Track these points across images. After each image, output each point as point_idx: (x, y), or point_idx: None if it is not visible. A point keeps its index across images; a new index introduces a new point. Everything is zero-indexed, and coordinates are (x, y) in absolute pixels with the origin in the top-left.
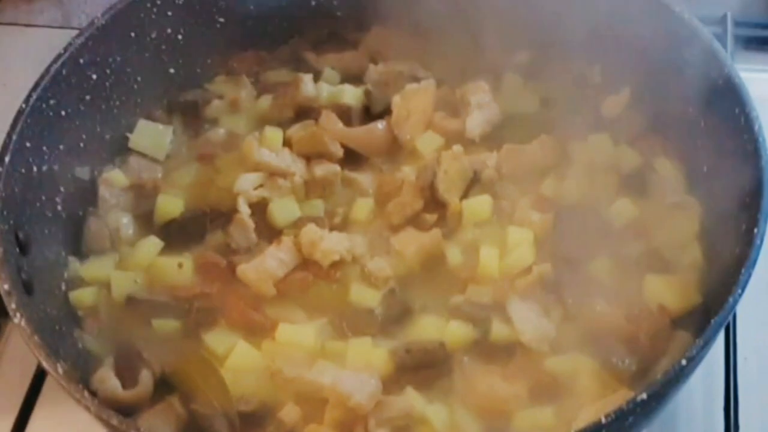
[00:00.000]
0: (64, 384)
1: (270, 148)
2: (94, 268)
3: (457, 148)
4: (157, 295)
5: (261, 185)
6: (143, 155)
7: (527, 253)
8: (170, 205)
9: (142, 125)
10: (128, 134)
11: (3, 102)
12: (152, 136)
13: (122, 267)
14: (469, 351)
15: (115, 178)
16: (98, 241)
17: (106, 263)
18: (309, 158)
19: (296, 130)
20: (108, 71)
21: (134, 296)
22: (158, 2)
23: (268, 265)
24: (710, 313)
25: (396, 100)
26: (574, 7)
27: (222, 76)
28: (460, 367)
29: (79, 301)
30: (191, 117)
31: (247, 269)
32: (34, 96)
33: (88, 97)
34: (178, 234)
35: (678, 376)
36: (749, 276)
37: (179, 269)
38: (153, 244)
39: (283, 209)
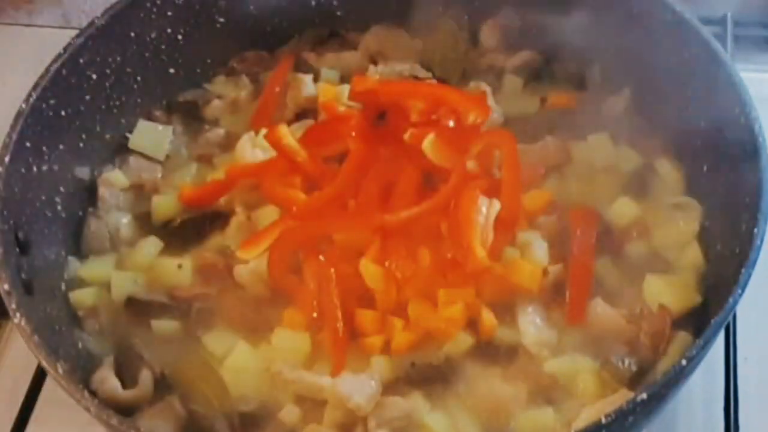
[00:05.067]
0: (64, 384)
1: (264, 149)
2: (94, 268)
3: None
4: (157, 295)
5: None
6: (143, 155)
7: (543, 255)
8: (166, 206)
9: (142, 125)
10: (128, 134)
11: (3, 102)
12: (152, 136)
13: (122, 267)
14: (471, 354)
15: (115, 178)
16: (98, 241)
17: (106, 263)
18: None
19: (296, 130)
20: (108, 71)
21: (134, 297)
22: (158, 2)
23: (264, 267)
24: (710, 313)
25: None
26: (573, 8)
27: (222, 76)
28: (461, 369)
29: (79, 301)
30: (191, 117)
31: (242, 270)
32: (34, 96)
33: (88, 97)
34: (178, 235)
35: (678, 376)
36: (749, 276)
37: (178, 270)
38: (153, 244)
39: (269, 216)
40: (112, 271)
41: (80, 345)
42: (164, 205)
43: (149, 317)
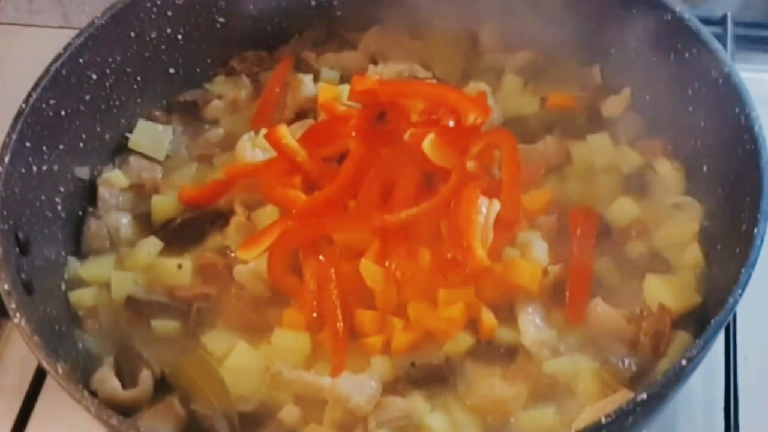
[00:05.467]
0: (64, 384)
1: (264, 149)
2: (94, 268)
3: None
4: (157, 295)
5: None
6: (143, 155)
7: (543, 255)
8: (166, 206)
9: (142, 125)
10: (128, 134)
11: (3, 102)
12: (152, 136)
13: (122, 267)
14: (471, 354)
15: (115, 178)
16: (98, 241)
17: (105, 263)
18: None
19: (296, 130)
20: (108, 71)
21: (134, 297)
22: (158, 2)
23: (264, 267)
24: (710, 313)
25: None
26: (573, 8)
27: (222, 76)
28: (461, 369)
29: (79, 301)
30: (191, 117)
31: (242, 270)
32: (34, 96)
33: (88, 97)
34: (178, 235)
35: (678, 376)
36: (749, 276)
37: (178, 270)
38: (152, 244)
39: (269, 216)
40: (112, 271)
41: (80, 345)
42: (164, 205)
43: (149, 317)
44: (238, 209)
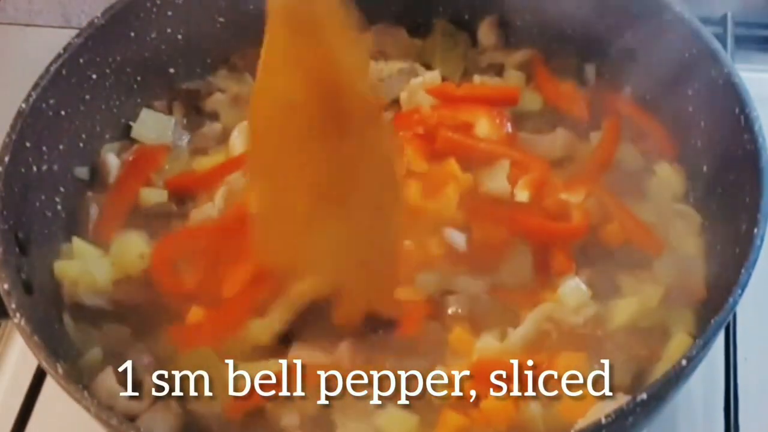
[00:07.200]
0: (64, 384)
1: None
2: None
3: None
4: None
5: None
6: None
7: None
8: (152, 198)
9: (146, 114)
10: (131, 123)
11: (3, 102)
12: (155, 125)
13: (112, 258)
14: None
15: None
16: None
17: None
18: None
19: None
20: (108, 71)
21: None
22: (158, 2)
23: None
24: (710, 313)
25: (403, 96)
26: (572, 7)
27: (224, 70)
28: None
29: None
30: (192, 109)
31: None
32: (34, 96)
33: (88, 97)
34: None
35: (678, 377)
36: (749, 276)
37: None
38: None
39: None
40: (107, 265)
41: (78, 343)
42: (151, 197)
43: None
44: (217, 200)
